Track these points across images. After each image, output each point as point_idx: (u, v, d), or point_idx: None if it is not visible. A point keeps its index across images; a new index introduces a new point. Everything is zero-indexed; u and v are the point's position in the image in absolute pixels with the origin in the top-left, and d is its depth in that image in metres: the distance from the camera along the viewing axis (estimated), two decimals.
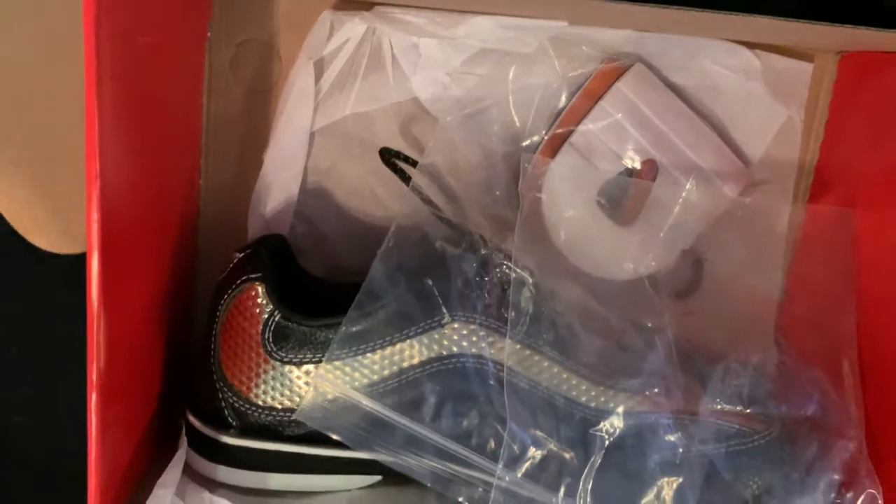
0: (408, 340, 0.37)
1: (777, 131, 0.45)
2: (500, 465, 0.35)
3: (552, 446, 0.35)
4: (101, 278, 0.32)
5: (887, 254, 0.41)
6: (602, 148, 0.43)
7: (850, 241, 0.42)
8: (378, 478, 0.39)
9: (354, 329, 0.36)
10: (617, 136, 0.43)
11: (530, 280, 0.38)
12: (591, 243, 0.43)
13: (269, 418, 0.38)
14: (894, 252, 0.41)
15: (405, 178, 0.40)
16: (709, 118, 0.44)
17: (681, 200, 0.43)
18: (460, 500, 0.35)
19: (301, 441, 0.38)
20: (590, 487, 0.35)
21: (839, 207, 0.43)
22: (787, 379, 0.39)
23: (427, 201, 0.38)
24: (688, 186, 0.43)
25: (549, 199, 0.43)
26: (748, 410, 0.37)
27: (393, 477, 0.39)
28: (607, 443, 0.35)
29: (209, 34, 0.43)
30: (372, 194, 0.45)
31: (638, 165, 0.43)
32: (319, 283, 0.44)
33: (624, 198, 0.44)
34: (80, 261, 0.32)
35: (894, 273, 0.40)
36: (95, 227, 0.31)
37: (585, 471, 0.35)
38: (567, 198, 0.43)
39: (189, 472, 0.39)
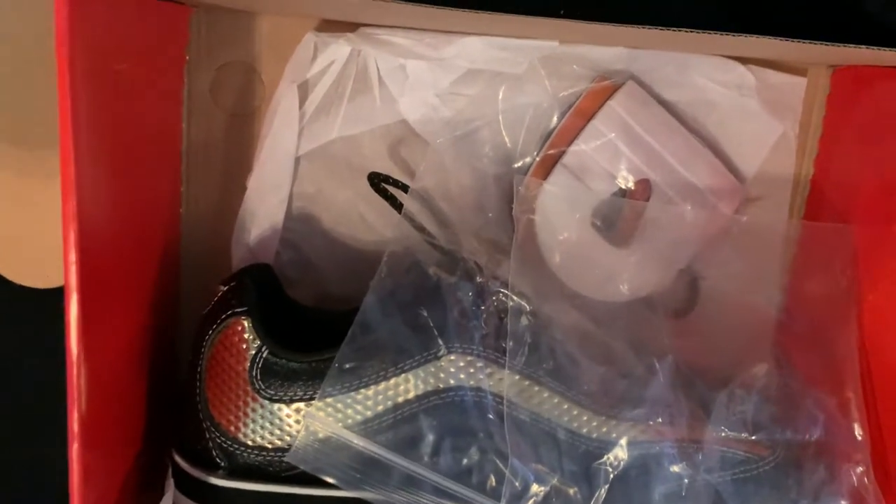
0: (403, 374, 0.35)
1: (772, 146, 0.44)
2: (503, 503, 0.33)
3: (555, 482, 0.34)
4: (81, 321, 0.31)
5: (886, 267, 0.40)
6: (595, 168, 0.42)
7: (849, 256, 0.41)
8: None
9: (347, 365, 0.35)
10: (610, 155, 0.42)
11: (528, 307, 0.36)
12: (586, 265, 0.42)
13: (259, 458, 0.37)
14: (893, 265, 0.40)
15: (396, 204, 0.39)
16: (702, 134, 0.44)
17: (676, 219, 0.43)
18: None
19: (293, 482, 0.37)
20: None
21: (836, 223, 0.42)
22: (790, 401, 0.38)
23: (419, 228, 0.37)
24: (683, 205, 0.42)
25: (543, 221, 0.42)
26: (753, 438, 0.36)
27: None
28: (612, 476, 0.34)
29: (188, 58, 0.42)
30: (361, 219, 0.43)
31: (632, 185, 0.43)
32: (308, 312, 0.42)
33: (618, 218, 0.43)
34: (57, 294, 0.30)
35: (893, 290, 0.40)
36: (74, 269, 0.30)
37: None
38: (561, 219, 0.42)
39: None
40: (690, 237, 0.43)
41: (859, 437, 0.37)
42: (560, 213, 0.42)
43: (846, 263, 0.41)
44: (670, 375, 0.37)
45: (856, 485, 0.36)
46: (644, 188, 0.43)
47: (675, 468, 0.35)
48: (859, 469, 0.36)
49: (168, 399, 0.41)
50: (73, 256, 0.30)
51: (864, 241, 0.42)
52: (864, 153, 0.43)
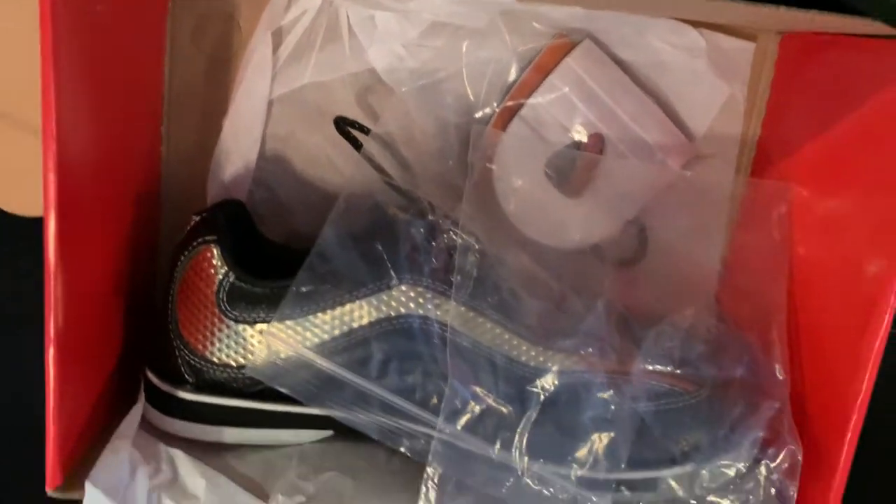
0: (357, 302, 0.38)
1: (720, 107, 0.47)
2: (441, 418, 0.36)
3: (491, 401, 0.37)
4: (58, 235, 0.33)
5: (819, 226, 0.43)
6: (551, 121, 0.45)
7: (786, 213, 0.44)
8: (329, 432, 0.41)
9: (304, 290, 0.38)
10: (565, 109, 0.44)
11: (476, 246, 0.39)
12: (539, 213, 0.45)
13: (224, 375, 0.40)
14: (826, 224, 0.43)
15: (358, 146, 0.42)
16: (655, 94, 0.46)
17: (626, 172, 0.45)
18: (402, 450, 0.37)
19: (255, 397, 0.40)
20: (525, 440, 0.37)
21: (777, 181, 0.45)
22: (718, 342, 0.41)
23: (378, 168, 0.39)
24: (633, 159, 0.45)
25: (500, 170, 0.44)
26: (679, 371, 0.39)
27: (343, 432, 0.41)
28: (543, 398, 0.37)
29: (170, 3, 0.44)
30: (329, 162, 0.46)
31: (585, 139, 0.45)
32: (277, 248, 0.45)
33: (571, 170, 0.45)
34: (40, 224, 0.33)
35: (824, 244, 0.42)
36: (52, 186, 0.33)
37: (521, 424, 0.37)
38: (517, 169, 0.44)
39: (146, 426, 0.40)
40: (639, 190, 0.46)
41: (780, 377, 0.40)
42: (516, 163, 0.44)
43: (783, 218, 0.44)
44: (605, 313, 0.40)
45: (773, 420, 0.39)
46: (597, 142, 0.45)
47: (603, 395, 0.38)
48: (776, 405, 0.39)
49: (144, 323, 0.44)
50: (51, 174, 0.32)
51: (802, 199, 0.44)
52: (810, 116, 0.45)
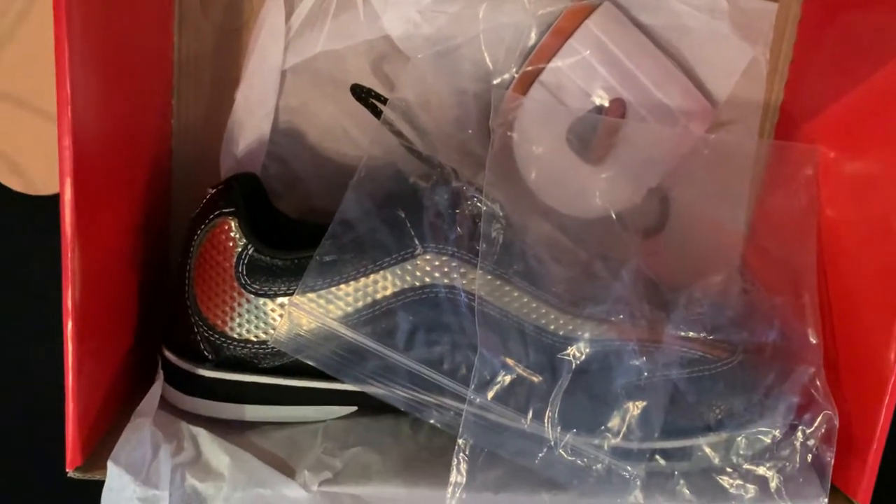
0: (381, 272, 0.37)
1: (743, 71, 0.46)
2: (471, 389, 0.36)
3: (521, 371, 0.36)
4: (74, 205, 0.32)
5: (847, 188, 0.42)
6: (571, 86, 0.44)
7: (813, 175, 0.43)
8: (353, 408, 0.40)
9: (327, 259, 0.37)
10: (586, 74, 0.43)
11: (501, 213, 0.38)
12: (560, 181, 0.44)
13: (245, 351, 0.39)
14: (854, 186, 0.42)
15: (377, 113, 0.41)
16: (676, 57, 0.45)
17: (648, 138, 0.44)
18: (432, 422, 0.36)
19: (276, 373, 0.39)
20: (557, 409, 0.36)
21: (804, 144, 0.44)
22: (749, 308, 0.40)
23: (398, 134, 0.38)
24: (654, 124, 0.44)
25: (520, 137, 0.43)
26: (711, 337, 0.39)
27: (368, 407, 0.40)
28: (574, 367, 0.36)
29: None
30: (345, 134, 0.45)
31: (606, 104, 0.44)
32: (292, 223, 0.44)
33: (593, 136, 0.44)
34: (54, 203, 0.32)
35: (853, 206, 0.42)
36: (68, 154, 0.32)
37: (553, 393, 0.36)
38: (537, 135, 0.43)
39: (166, 406, 0.39)
40: (662, 156, 0.45)
41: (813, 341, 0.40)
42: (536, 130, 0.43)
43: (810, 181, 0.43)
44: (634, 279, 0.39)
45: (807, 384, 0.38)
46: (618, 107, 0.44)
47: (635, 363, 0.37)
48: (811, 370, 0.38)
49: (159, 300, 0.43)
50: (67, 141, 0.31)
51: (828, 162, 0.43)
52: (833, 79, 0.44)
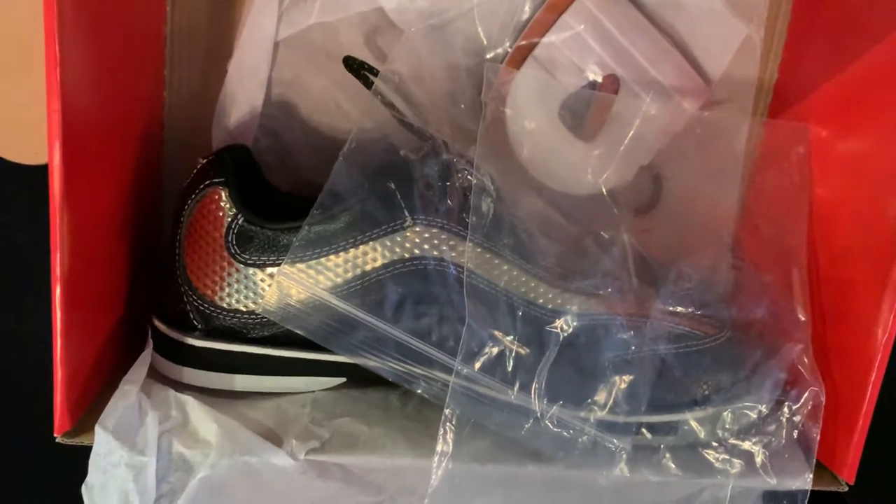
0: (370, 243, 0.37)
1: (737, 49, 0.46)
2: (458, 360, 0.36)
3: (508, 343, 0.36)
4: (63, 169, 0.32)
5: (839, 168, 0.42)
6: (565, 61, 0.43)
7: (805, 154, 0.43)
8: (342, 380, 0.40)
9: (316, 229, 0.37)
10: (579, 49, 0.43)
11: (491, 186, 0.38)
12: (552, 157, 0.44)
13: (234, 321, 0.39)
14: (846, 165, 0.42)
15: (369, 85, 0.41)
16: (670, 35, 0.45)
17: (641, 115, 0.44)
18: (419, 392, 0.36)
19: (265, 343, 0.39)
20: (544, 381, 0.36)
21: (795, 122, 0.44)
22: (738, 284, 0.40)
23: (389, 105, 0.38)
24: (648, 101, 0.44)
25: (513, 112, 0.43)
26: (699, 313, 0.39)
27: (356, 379, 0.40)
28: (561, 339, 0.37)
29: None
30: (337, 107, 0.45)
31: (600, 80, 0.44)
32: (284, 196, 0.44)
33: (586, 112, 0.44)
34: (44, 173, 0.32)
35: (845, 186, 0.42)
36: (56, 118, 0.31)
37: (540, 366, 0.36)
38: (530, 111, 0.43)
39: (155, 375, 0.39)
40: (655, 133, 0.45)
41: (801, 318, 0.40)
42: (529, 105, 0.43)
43: (802, 160, 0.43)
44: (624, 254, 0.39)
45: (795, 361, 0.38)
46: (612, 83, 0.44)
47: (623, 337, 0.37)
48: (798, 347, 0.39)
49: (151, 271, 0.43)
50: (56, 104, 0.31)
51: (820, 139, 0.43)
52: (827, 59, 0.44)
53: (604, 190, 0.44)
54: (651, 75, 0.44)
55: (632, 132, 0.44)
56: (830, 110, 0.43)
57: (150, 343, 0.39)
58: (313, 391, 0.40)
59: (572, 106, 0.44)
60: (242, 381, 0.39)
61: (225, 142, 0.44)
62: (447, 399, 0.36)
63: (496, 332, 0.36)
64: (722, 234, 0.46)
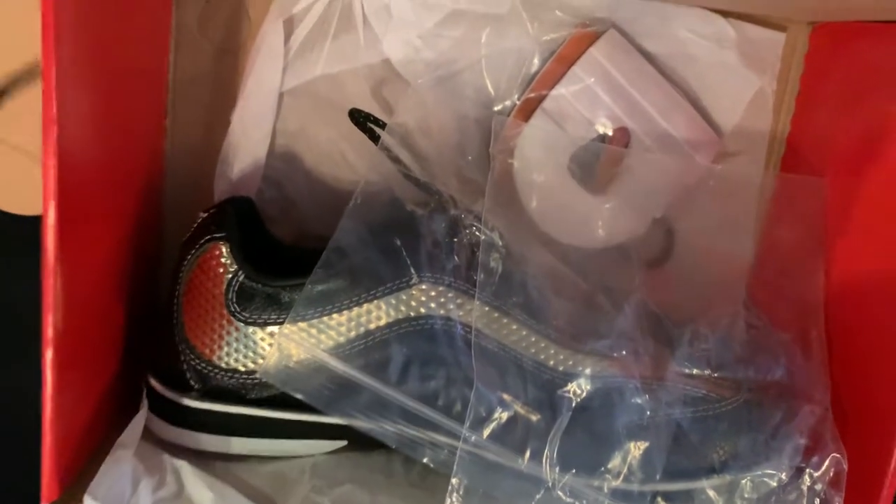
0: (375, 301, 0.36)
1: (749, 102, 0.45)
2: (466, 426, 0.34)
3: (519, 408, 0.35)
4: (58, 227, 0.31)
5: (855, 223, 0.41)
6: (574, 114, 0.43)
7: (820, 209, 0.42)
8: (343, 443, 0.39)
9: (320, 288, 0.35)
10: (589, 102, 0.43)
11: (500, 242, 0.37)
12: (562, 210, 0.43)
13: (233, 381, 0.37)
14: (862, 221, 0.41)
15: (375, 138, 0.40)
16: (681, 86, 0.44)
17: (653, 168, 0.43)
18: (425, 461, 0.35)
19: (264, 405, 0.37)
20: (556, 449, 0.34)
21: (811, 176, 0.43)
22: (755, 343, 0.39)
23: (395, 160, 0.37)
24: (659, 154, 0.43)
25: (521, 165, 0.42)
26: (716, 375, 0.37)
27: (358, 442, 0.38)
28: (574, 404, 0.35)
29: None
30: (343, 159, 0.44)
31: (610, 132, 0.43)
32: (288, 250, 0.43)
33: (596, 165, 0.43)
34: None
35: (861, 242, 0.40)
36: (52, 174, 0.30)
37: (552, 432, 0.35)
38: (539, 163, 0.42)
39: (150, 436, 0.38)
40: (666, 186, 0.44)
41: (821, 380, 0.38)
42: (538, 158, 0.42)
43: (817, 214, 0.42)
44: (638, 313, 0.38)
45: (815, 425, 0.37)
46: (622, 136, 0.43)
47: (637, 401, 0.36)
48: (818, 410, 0.37)
49: (149, 327, 0.42)
50: (52, 160, 0.30)
51: (834, 194, 0.42)
52: (841, 112, 0.43)
53: (615, 244, 0.43)
54: (662, 127, 0.43)
55: (643, 185, 0.43)
56: (844, 163, 0.42)
57: (146, 403, 0.38)
58: (313, 455, 0.38)
59: (582, 159, 0.43)
60: (240, 444, 0.38)
61: (227, 193, 0.43)
62: (455, 467, 0.34)
63: (506, 396, 0.35)
64: (736, 290, 0.44)
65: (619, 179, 0.43)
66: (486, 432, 0.34)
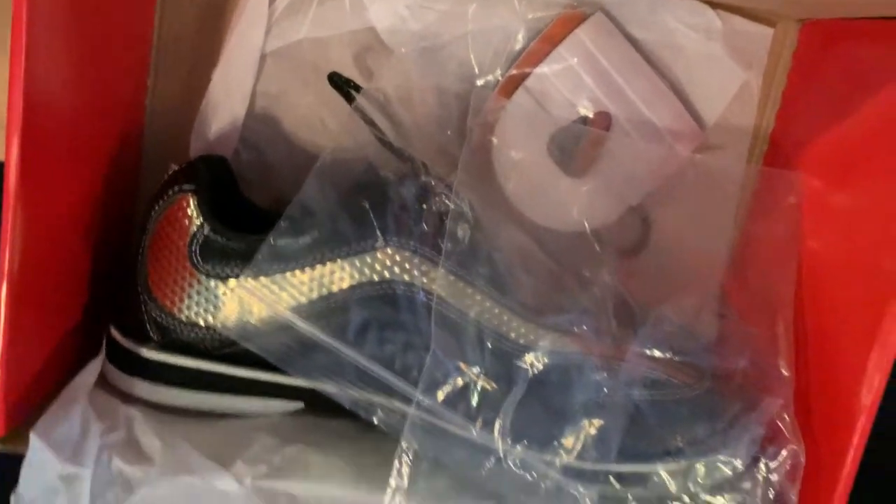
0: (338, 261, 0.36)
1: (734, 95, 0.45)
2: (420, 389, 0.34)
3: (474, 375, 0.34)
4: (21, 164, 0.31)
5: (831, 220, 0.41)
6: (556, 94, 0.43)
7: (797, 205, 0.42)
8: (299, 405, 0.38)
9: (282, 242, 0.35)
10: (572, 83, 0.42)
11: (470, 213, 0.37)
12: (538, 191, 0.43)
13: (192, 335, 0.37)
14: (839, 219, 0.40)
15: (352, 101, 0.40)
16: (666, 76, 0.44)
17: (632, 155, 0.43)
18: (375, 421, 0.35)
19: (223, 360, 0.37)
20: (509, 420, 0.34)
21: (787, 170, 0.42)
22: (722, 333, 0.38)
23: (370, 122, 0.37)
24: (640, 141, 0.43)
25: (501, 142, 0.42)
26: (678, 359, 0.37)
27: (315, 406, 0.38)
28: (531, 376, 0.35)
29: None
30: (322, 126, 0.44)
31: (591, 115, 0.43)
32: (262, 213, 0.43)
33: (575, 147, 0.43)
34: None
35: (836, 240, 0.40)
36: (17, 110, 0.30)
37: (506, 403, 0.34)
38: (518, 141, 0.42)
39: (106, 386, 0.38)
40: (646, 174, 0.44)
41: (785, 374, 0.38)
42: (518, 135, 0.42)
43: (794, 209, 0.42)
44: (603, 294, 0.38)
45: (774, 417, 0.36)
46: (604, 120, 0.43)
47: (596, 378, 0.35)
48: (779, 402, 0.37)
49: (118, 278, 0.41)
50: (17, 94, 0.30)
51: (811, 191, 0.42)
52: (827, 111, 0.43)
53: (588, 228, 0.42)
54: (644, 115, 0.43)
55: (622, 171, 0.43)
56: (826, 162, 0.42)
57: (103, 351, 0.38)
58: (269, 415, 0.38)
59: (562, 140, 0.43)
60: (196, 399, 0.38)
61: (203, 151, 0.43)
62: (404, 431, 0.34)
63: (462, 364, 0.35)
64: (709, 282, 0.44)
65: (598, 164, 0.43)
66: (440, 397, 0.34)
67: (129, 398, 0.37)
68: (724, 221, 0.44)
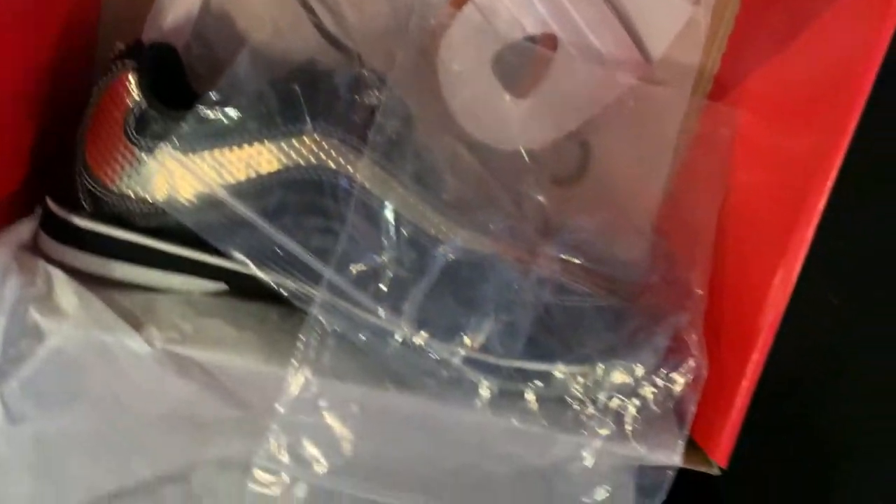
0: (266, 143, 0.36)
1: (681, 31, 0.45)
2: (332, 267, 0.35)
3: (386, 259, 0.35)
4: None
5: (760, 157, 0.42)
6: (504, 13, 0.43)
7: (730, 137, 0.43)
8: (222, 286, 0.39)
9: (212, 118, 0.36)
10: (520, 2, 0.43)
11: (402, 111, 0.38)
12: (478, 105, 0.44)
13: (123, 207, 0.38)
14: (767, 156, 0.41)
15: (304, 4, 0.40)
16: (613, 4, 0.45)
17: (576, 78, 0.44)
18: (285, 294, 0.35)
19: (151, 234, 0.38)
20: (418, 305, 0.35)
21: (723, 104, 0.43)
22: (636, 245, 0.39)
23: (308, 8, 0.38)
24: (583, 65, 0.44)
25: (446, 53, 0.43)
26: (591, 266, 0.38)
27: (238, 289, 0.39)
28: (442, 267, 0.36)
29: None
30: (275, 27, 0.44)
31: (537, 36, 0.44)
32: None
33: (519, 66, 0.44)
34: None
35: (762, 174, 0.41)
36: None
37: (415, 289, 0.35)
38: (463, 54, 0.43)
39: (34, 251, 0.39)
40: (588, 99, 0.44)
41: (697, 292, 0.39)
42: (464, 49, 0.43)
43: (726, 141, 0.43)
44: (528, 205, 0.39)
45: (680, 330, 0.37)
46: (549, 43, 0.44)
47: (507, 276, 0.36)
48: (687, 317, 0.38)
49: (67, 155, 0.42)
50: None
51: (748, 127, 0.43)
52: (771, 55, 0.44)
53: (523, 150, 0.43)
54: (589, 41, 0.44)
55: (564, 94, 0.44)
56: (766, 105, 0.43)
57: (36, 216, 0.39)
58: (191, 292, 0.39)
59: (506, 58, 0.44)
60: (121, 270, 0.38)
61: (155, 40, 0.44)
62: (313, 307, 0.35)
63: (375, 248, 0.35)
64: (645, 216, 0.45)
65: (541, 85, 0.44)
66: (351, 276, 0.35)
67: (58, 265, 0.38)
68: (664, 151, 0.45)
